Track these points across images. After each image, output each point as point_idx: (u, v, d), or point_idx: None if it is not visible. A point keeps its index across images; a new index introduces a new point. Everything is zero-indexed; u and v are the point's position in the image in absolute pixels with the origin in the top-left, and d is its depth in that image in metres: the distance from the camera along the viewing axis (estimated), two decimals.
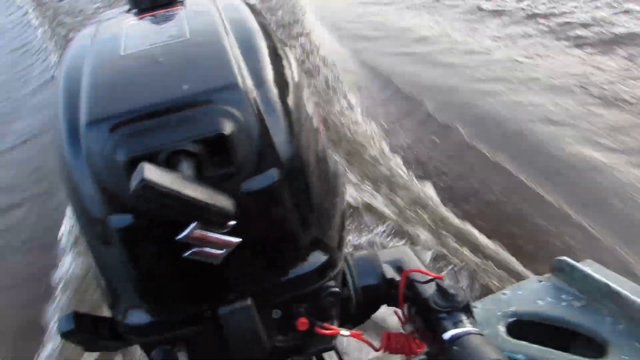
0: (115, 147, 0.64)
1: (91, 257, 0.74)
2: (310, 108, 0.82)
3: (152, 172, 0.52)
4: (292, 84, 0.78)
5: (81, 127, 0.67)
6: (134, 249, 0.69)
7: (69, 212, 3.69)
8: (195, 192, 0.54)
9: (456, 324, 0.78)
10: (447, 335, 0.77)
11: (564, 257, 1.33)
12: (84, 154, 0.66)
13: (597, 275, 1.26)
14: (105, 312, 0.82)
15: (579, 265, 1.31)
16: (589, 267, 1.30)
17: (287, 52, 0.83)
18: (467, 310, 0.81)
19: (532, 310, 1.27)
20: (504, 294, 1.35)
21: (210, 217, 0.56)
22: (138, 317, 0.72)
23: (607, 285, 1.22)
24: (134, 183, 0.52)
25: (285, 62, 0.79)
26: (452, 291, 0.81)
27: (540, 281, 1.36)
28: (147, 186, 0.51)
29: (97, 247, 0.71)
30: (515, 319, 1.27)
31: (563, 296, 1.28)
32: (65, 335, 0.79)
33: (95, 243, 0.71)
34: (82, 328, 0.79)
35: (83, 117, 0.67)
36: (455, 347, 0.74)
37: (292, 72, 0.80)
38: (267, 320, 0.78)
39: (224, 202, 0.57)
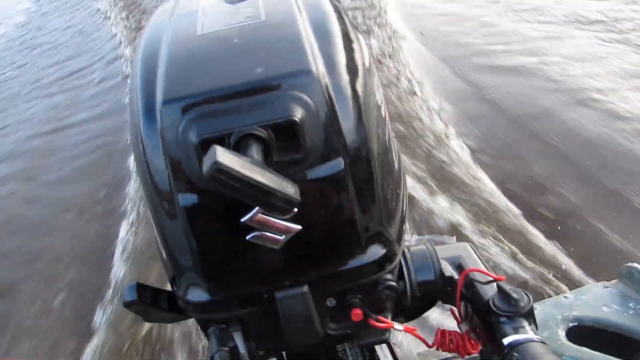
0: (187, 128, 0.66)
1: (156, 232, 0.77)
2: (379, 96, 0.82)
3: (224, 156, 0.54)
4: (363, 71, 0.77)
5: (157, 105, 0.69)
6: (199, 228, 0.70)
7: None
8: (264, 178, 0.55)
9: (517, 330, 0.75)
10: (507, 341, 0.74)
11: (635, 264, 1.27)
12: (158, 132, 0.69)
13: None
14: (165, 285, 0.86)
15: None
16: None
17: (360, 37, 0.82)
18: (530, 315, 0.78)
19: (595, 316, 1.22)
20: (566, 297, 1.31)
21: (276, 203, 0.57)
22: (198, 294, 0.75)
23: None
24: (206, 166, 0.54)
25: (357, 47, 0.78)
26: (515, 295, 0.78)
27: (607, 287, 1.30)
28: (219, 169, 0.53)
29: (163, 222, 0.73)
30: (576, 323, 1.23)
31: (631, 304, 1.22)
32: (127, 305, 0.82)
33: (161, 219, 0.73)
34: (143, 299, 0.82)
35: (159, 96, 0.69)
36: (515, 354, 0.72)
37: (364, 58, 0.79)
38: (321, 308, 0.79)
39: (290, 189, 0.58)
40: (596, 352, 1.14)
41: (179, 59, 0.74)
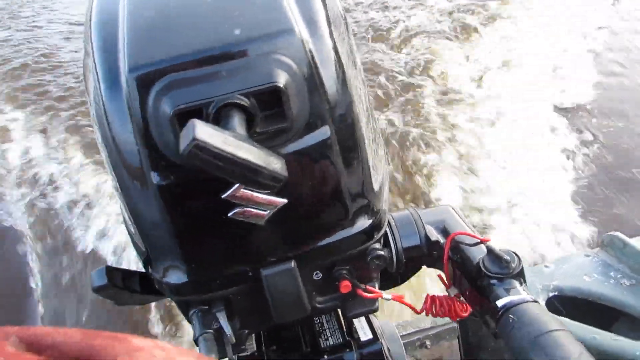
0: (159, 98, 0.61)
1: (125, 212, 0.74)
2: (358, 57, 0.79)
3: (203, 131, 0.50)
4: (343, 30, 0.74)
5: (121, 74, 0.63)
6: (175, 207, 0.67)
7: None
8: (248, 154, 0.52)
9: (509, 291, 0.76)
10: (500, 303, 0.75)
11: (616, 232, 1.30)
12: (124, 104, 0.63)
13: None
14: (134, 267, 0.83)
15: (632, 241, 1.29)
16: None
17: None
18: (521, 276, 0.79)
19: (576, 286, 1.26)
20: (546, 266, 1.34)
21: (261, 181, 0.54)
22: (177, 276, 0.73)
23: None
24: (183, 143, 0.50)
25: (331, 4, 0.75)
26: (506, 257, 0.79)
27: (588, 256, 1.34)
28: (198, 146, 0.49)
29: (135, 202, 0.70)
30: (556, 293, 1.26)
31: (612, 273, 1.26)
32: (97, 290, 0.80)
33: (132, 198, 0.69)
34: (114, 283, 0.79)
35: (123, 62, 0.63)
36: (511, 316, 0.73)
37: (341, 15, 0.76)
38: (307, 282, 0.78)
39: (277, 164, 0.55)
40: (575, 322, 1.18)
41: (143, 19, 0.68)
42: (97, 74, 0.66)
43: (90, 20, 0.72)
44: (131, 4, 0.70)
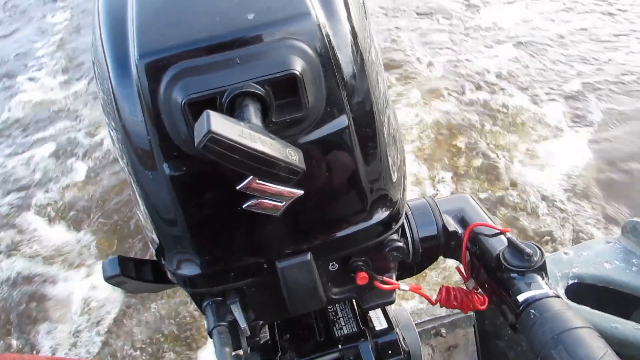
0: (170, 86, 0.60)
1: (139, 203, 0.73)
2: (375, 42, 0.77)
3: (218, 123, 0.49)
4: (360, 13, 0.72)
5: (131, 61, 0.62)
6: (189, 198, 0.66)
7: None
8: (265, 146, 0.51)
9: (530, 285, 0.76)
10: (522, 297, 0.75)
11: (639, 219, 1.29)
12: (135, 93, 0.62)
13: None
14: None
15: None
16: None
17: None
18: (543, 269, 0.79)
19: (596, 273, 1.25)
20: (566, 253, 1.33)
21: (279, 174, 0.54)
22: (192, 268, 0.72)
23: None
24: (198, 135, 0.49)
25: None
26: (527, 250, 0.79)
27: (609, 242, 1.33)
28: (214, 139, 0.48)
29: (148, 193, 0.68)
30: (576, 281, 1.26)
31: (634, 260, 1.25)
32: (110, 279, 0.80)
33: (145, 189, 0.69)
34: (126, 272, 0.80)
35: (133, 49, 0.62)
36: (532, 311, 0.72)
37: (361, 1, 0.74)
38: (323, 273, 0.78)
39: (294, 156, 0.54)
40: (595, 311, 1.17)
41: (153, 5, 0.66)
42: (106, 61, 0.65)
43: (98, 4, 0.71)
44: None
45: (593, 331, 0.67)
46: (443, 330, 1.31)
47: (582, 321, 0.69)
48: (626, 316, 1.23)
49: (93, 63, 0.74)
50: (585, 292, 1.25)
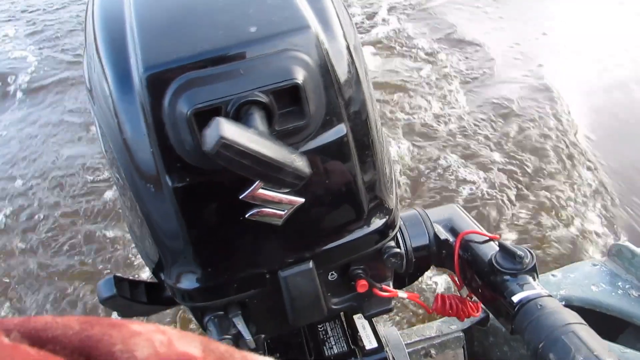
0: (175, 98, 0.61)
1: (135, 217, 0.73)
2: (364, 56, 0.81)
3: (229, 129, 0.51)
4: (352, 27, 0.75)
5: (134, 74, 0.63)
6: (191, 210, 0.67)
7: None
8: (273, 152, 0.53)
9: (523, 286, 0.78)
10: (516, 298, 0.77)
11: (625, 242, 1.32)
12: (137, 105, 0.63)
13: None
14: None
15: None
16: None
17: None
18: (534, 271, 0.81)
19: (583, 296, 1.27)
20: (553, 275, 1.35)
21: (285, 179, 0.55)
22: (193, 281, 0.73)
23: None
24: (209, 142, 0.51)
25: (340, 4, 0.76)
26: (519, 252, 0.81)
27: (595, 265, 1.35)
28: (225, 145, 0.50)
29: (148, 206, 0.69)
30: (563, 303, 1.28)
31: (619, 283, 1.28)
32: (105, 300, 0.80)
33: (145, 202, 0.69)
34: (122, 293, 0.80)
35: (136, 62, 0.63)
36: (527, 311, 0.75)
37: (348, 13, 0.78)
38: (323, 283, 0.79)
39: (299, 162, 0.56)
40: None
41: (154, 17, 0.68)
42: (105, 76, 0.66)
43: (93, 19, 0.72)
44: (137, 1, 0.70)
45: (588, 327, 0.69)
46: (433, 351, 1.32)
47: (576, 318, 0.71)
48: (613, 338, 1.25)
49: (87, 81, 0.75)
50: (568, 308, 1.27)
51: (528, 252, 0.83)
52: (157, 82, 0.62)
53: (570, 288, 1.30)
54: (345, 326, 1.13)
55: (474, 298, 0.93)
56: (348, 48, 0.70)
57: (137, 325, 0.33)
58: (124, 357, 0.30)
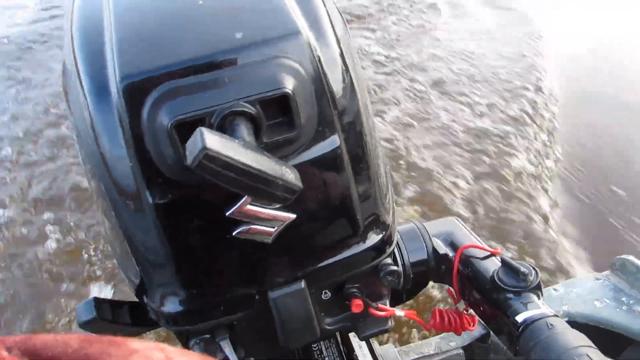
0: (155, 109, 0.57)
1: (115, 236, 0.69)
2: (359, 64, 0.77)
3: (213, 140, 0.47)
4: (345, 32, 0.72)
5: (111, 83, 0.59)
6: (174, 227, 0.63)
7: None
8: (260, 164, 0.50)
9: (527, 305, 0.75)
10: (521, 318, 0.74)
11: (629, 256, 1.29)
12: (115, 116, 0.59)
13: None
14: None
15: None
16: None
17: None
18: (539, 289, 0.78)
19: (586, 312, 1.24)
20: (555, 289, 1.32)
21: (275, 193, 0.51)
22: (177, 304, 0.68)
23: None
24: (192, 153, 0.47)
25: (333, 8, 0.73)
26: (523, 269, 0.78)
27: (598, 279, 1.32)
28: (209, 156, 0.46)
29: (128, 224, 0.65)
30: (567, 319, 1.24)
31: (623, 299, 1.24)
32: (85, 324, 0.75)
33: (124, 220, 0.65)
34: (103, 316, 0.76)
35: (113, 71, 0.59)
36: (533, 332, 0.72)
37: (341, 17, 0.74)
38: (316, 303, 0.75)
39: (290, 175, 0.53)
40: None
41: (133, 24, 0.64)
42: (82, 86, 0.62)
43: (71, 27, 0.68)
44: (117, 7, 0.66)
45: (597, 351, 0.66)
46: None
47: (585, 340, 0.68)
48: (615, 356, 1.22)
49: (64, 90, 0.71)
50: (575, 329, 1.23)
51: (532, 269, 0.80)
52: (135, 92, 0.58)
53: (574, 304, 1.26)
54: (341, 345, 1.09)
55: (470, 311, 0.90)
56: (342, 55, 0.67)
57: (136, 343, 0.33)
58: None
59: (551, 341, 0.69)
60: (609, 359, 0.65)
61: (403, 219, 3.05)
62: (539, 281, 0.78)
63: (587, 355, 0.65)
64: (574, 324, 1.23)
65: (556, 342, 0.68)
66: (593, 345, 0.68)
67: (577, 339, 0.69)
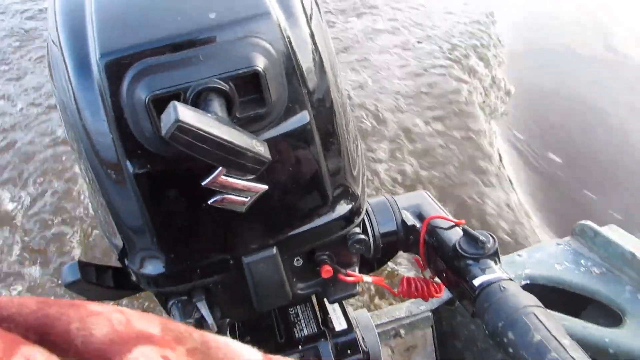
0: (133, 84, 0.61)
1: (99, 203, 0.73)
2: (331, 42, 0.81)
3: (185, 113, 0.51)
4: (317, 13, 0.75)
5: (92, 59, 0.63)
6: (153, 196, 0.67)
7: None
8: (232, 136, 0.53)
9: (485, 270, 0.80)
10: (477, 282, 0.79)
11: (587, 222, 1.36)
12: (96, 91, 0.63)
13: (621, 242, 1.29)
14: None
15: (602, 230, 1.34)
16: (613, 233, 1.33)
17: None
18: (496, 255, 0.83)
19: (547, 274, 1.31)
20: (519, 255, 1.39)
21: (246, 164, 0.55)
22: (156, 267, 0.73)
23: (632, 254, 1.25)
24: (165, 125, 0.51)
25: None
26: (482, 237, 0.83)
27: (559, 244, 1.39)
28: (181, 128, 0.50)
29: (109, 192, 0.69)
30: (528, 281, 1.31)
31: (582, 262, 1.32)
32: (69, 285, 0.79)
33: (106, 188, 0.69)
34: (87, 278, 0.80)
35: (94, 47, 0.63)
36: (488, 294, 0.76)
37: (316, 3, 0.77)
38: (288, 269, 0.80)
39: (260, 147, 0.57)
40: (546, 310, 1.23)
41: (114, 3, 0.68)
42: (65, 62, 0.66)
43: (54, 4, 0.71)
44: None
45: (545, 310, 0.71)
46: (402, 331, 1.35)
47: (534, 301, 0.73)
48: (576, 315, 1.29)
49: (49, 65, 0.74)
50: (536, 292, 1.30)
51: (490, 237, 0.84)
52: (114, 68, 0.62)
53: (535, 267, 1.33)
54: (317, 309, 1.14)
55: (436, 278, 0.95)
56: (312, 35, 0.70)
57: (96, 306, 0.33)
58: (80, 335, 0.31)
59: (503, 302, 0.73)
60: (559, 313, 0.70)
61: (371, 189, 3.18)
62: (497, 248, 0.83)
63: (534, 314, 0.70)
64: (535, 286, 1.31)
65: (507, 303, 0.73)
66: (541, 304, 0.73)
67: (527, 299, 0.73)
